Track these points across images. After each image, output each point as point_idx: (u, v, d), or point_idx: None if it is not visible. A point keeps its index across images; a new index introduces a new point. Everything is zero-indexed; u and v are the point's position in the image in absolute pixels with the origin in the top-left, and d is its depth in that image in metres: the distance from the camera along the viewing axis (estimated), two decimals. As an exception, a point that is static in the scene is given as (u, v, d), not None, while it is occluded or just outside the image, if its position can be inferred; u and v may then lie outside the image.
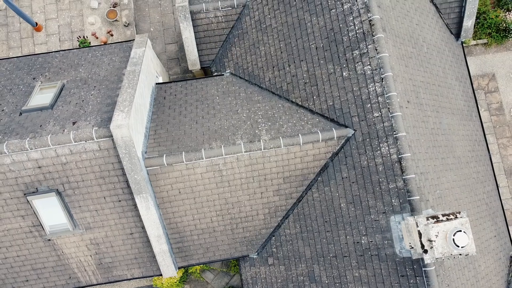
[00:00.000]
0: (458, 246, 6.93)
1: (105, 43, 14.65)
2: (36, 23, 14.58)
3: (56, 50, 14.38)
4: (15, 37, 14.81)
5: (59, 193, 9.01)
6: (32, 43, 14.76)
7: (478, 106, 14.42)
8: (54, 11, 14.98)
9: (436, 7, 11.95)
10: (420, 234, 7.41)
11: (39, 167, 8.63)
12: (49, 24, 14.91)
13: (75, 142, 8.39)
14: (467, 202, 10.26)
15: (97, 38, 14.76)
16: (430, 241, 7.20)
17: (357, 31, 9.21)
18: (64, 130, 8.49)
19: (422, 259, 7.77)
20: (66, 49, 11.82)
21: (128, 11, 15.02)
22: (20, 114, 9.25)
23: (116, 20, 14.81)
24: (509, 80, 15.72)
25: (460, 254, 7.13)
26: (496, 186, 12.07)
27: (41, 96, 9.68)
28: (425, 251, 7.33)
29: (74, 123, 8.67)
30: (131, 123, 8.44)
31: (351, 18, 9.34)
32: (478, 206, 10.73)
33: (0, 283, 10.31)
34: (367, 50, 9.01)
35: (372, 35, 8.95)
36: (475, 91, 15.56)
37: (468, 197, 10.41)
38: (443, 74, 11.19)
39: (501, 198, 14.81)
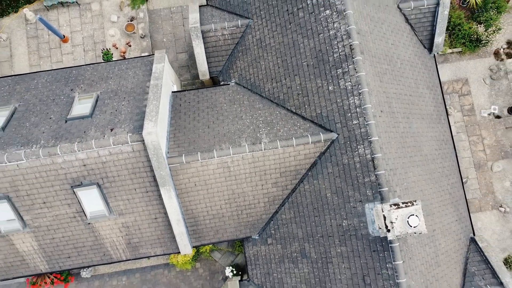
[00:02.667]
0: (411, 226, 9.12)
1: (124, 53, 16.69)
2: (64, 35, 16.57)
3: (86, 63, 16.39)
4: (44, 48, 16.83)
5: (99, 186, 11.16)
6: (60, 53, 16.78)
7: (448, 109, 16.58)
8: (78, 24, 16.96)
9: (411, 26, 13.97)
10: (384, 218, 9.60)
11: (84, 165, 10.76)
12: (74, 36, 16.91)
13: (113, 145, 10.52)
14: (431, 192, 12.44)
15: (117, 48, 16.78)
16: (391, 222, 9.40)
17: (340, 53, 11.29)
18: (104, 136, 10.62)
19: (387, 237, 9.96)
20: (95, 62, 13.85)
21: (143, 24, 17.01)
22: (66, 121, 11.36)
23: (133, 33, 16.81)
24: (480, 84, 17.80)
25: (415, 233, 9.33)
26: (460, 178, 14.25)
27: (81, 106, 11.77)
28: (388, 231, 9.53)
29: (111, 130, 10.79)
30: (158, 130, 10.56)
31: (336, 42, 11.40)
32: (441, 196, 12.91)
33: (47, 259, 12.52)
34: (348, 70, 11.10)
35: (352, 57, 11.03)
36: (450, 94, 17.69)
37: (433, 188, 12.59)
38: (415, 85, 13.28)
39: (471, 188, 17.06)
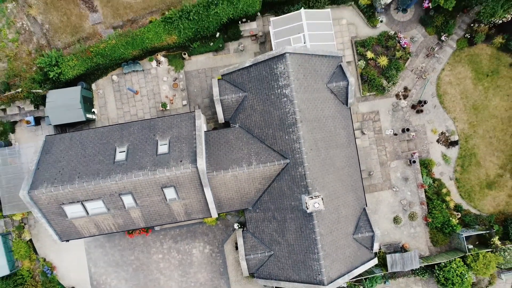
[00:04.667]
0: (315, 207, 21.26)
1: (172, 100, 28.12)
2: (136, 90, 27.94)
3: (150, 107, 27.92)
4: (124, 98, 28.26)
5: (174, 187, 23.12)
6: (134, 101, 28.23)
7: (364, 130, 28.28)
8: (143, 82, 28.30)
9: (335, 94, 25.37)
10: (306, 203, 21.74)
11: (168, 178, 22.66)
12: (141, 90, 28.30)
13: (182, 169, 22.38)
14: (339, 186, 24.49)
15: (167, 97, 28.22)
16: (308, 205, 21.53)
17: (291, 121, 22.91)
18: (178, 165, 22.46)
19: (307, 211, 22.07)
20: (162, 116, 25.37)
21: (183, 81, 28.34)
22: (157, 155, 23.15)
23: (177, 87, 28.16)
24: (386, 114, 29.42)
25: (319, 210, 21.47)
26: (360, 175, 26.24)
27: (162, 147, 23.51)
28: (307, 208, 21.69)
29: (181, 161, 22.63)
30: (203, 161, 22.39)
31: (289, 115, 22.99)
32: (345, 187, 24.98)
33: (144, 220, 24.71)
34: (294, 130, 22.78)
35: (296, 124, 22.68)
36: (367, 121, 29.34)
37: (340, 184, 24.61)
38: (334, 129, 24.94)
39: (376, 177, 29.10)
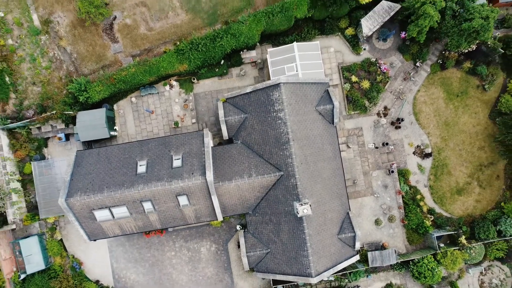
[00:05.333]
0: (304, 212, 25.68)
1: (182, 119, 32.54)
2: (152, 110, 32.36)
3: (164, 124, 32.40)
4: (141, 116, 32.69)
5: (186, 195, 27.52)
6: (150, 119, 32.66)
7: (349, 144, 32.74)
8: (158, 103, 32.74)
9: (323, 116, 29.77)
10: (297, 209, 26.17)
11: (182, 187, 27.08)
12: (156, 110, 32.72)
13: (194, 181, 26.80)
14: (326, 194, 28.89)
15: (178, 116, 32.64)
16: (298, 210, 25.95)
17: (284, 139, 27.35)
18: (190, 177, 26.88)
19: (297, 215, 26.48)
20: (175, 134, 29.79)
21: (192, 102, 32.77)
22: (172, 169, 27.56)
23: (187, 108, 32.59)
24: (368, 130, 33.83)
25: (307, 215, 25.89)
26: (345, 184, 30.63)
27: (176, 161, 27.92)
28: (298, 213, 26.11)
29: (192, 173, 27.05)
30: (211, 174, 26.79)
31: (283, 134, 27.43)
32: (331, 195, 29.39)
33: (161, 223, 29.14)
34: (287, 147, 27.22)
35: (289, 142, 27.12)
36: (352, 136, 33.76)
37: (327, 192, 29.01)
38: (321, 145, 29.34)
39: (360, 185, 33.53)
